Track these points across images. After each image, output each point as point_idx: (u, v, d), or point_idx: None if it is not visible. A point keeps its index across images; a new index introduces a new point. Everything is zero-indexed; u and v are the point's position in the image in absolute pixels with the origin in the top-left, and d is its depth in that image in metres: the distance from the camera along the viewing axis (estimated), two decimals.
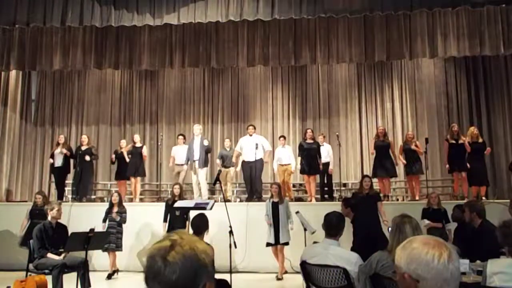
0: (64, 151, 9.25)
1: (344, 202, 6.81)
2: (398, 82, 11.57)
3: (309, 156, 8.71)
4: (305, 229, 6.73)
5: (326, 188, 9.22)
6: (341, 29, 9.47)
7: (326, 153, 9.19)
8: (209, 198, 8.70)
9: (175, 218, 7.31)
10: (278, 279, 7.32)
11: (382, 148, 8.75)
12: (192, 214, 7.47)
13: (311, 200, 8.79)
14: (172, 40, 9.86)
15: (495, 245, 3.38)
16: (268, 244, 7.26)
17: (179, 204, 7.25)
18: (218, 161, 9.59)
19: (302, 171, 8.89)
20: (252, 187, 8.86)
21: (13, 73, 10.85)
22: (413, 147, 8.78)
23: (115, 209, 7.54)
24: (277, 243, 7.23)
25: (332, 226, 3.47)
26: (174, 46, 9.85)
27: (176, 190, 7.70)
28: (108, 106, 12.01)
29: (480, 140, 8.74)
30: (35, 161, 11.55)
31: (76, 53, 9.72)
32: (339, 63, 10.71)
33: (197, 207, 6.63)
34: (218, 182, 6.69)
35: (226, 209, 5.88)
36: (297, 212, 6.89)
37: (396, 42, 9.22)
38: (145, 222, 8.22)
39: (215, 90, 11.97)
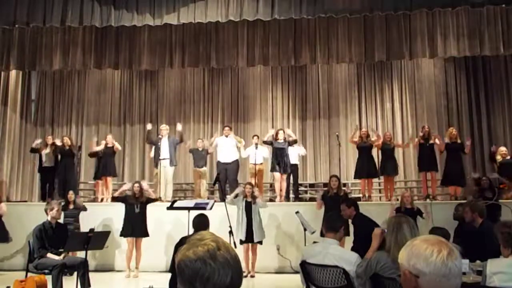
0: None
1: (346, 202, 6.80)
2: (398, 82, 11.57)
3: (280, 156, 8.72)
4: (305, 229, 6.74)
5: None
6: (341, 29, 9.45)
7: (296, 154, 9.31)
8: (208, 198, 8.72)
9: (134, 215, 7.48)
10: (252, 276, 7.30)
11: (364, 149, 8.88)
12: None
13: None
14: (172, 40, 9.84)
15: (497, 244, 3.39)
16: (241, 242, 7.11)
17: (179, 204, 7.28)
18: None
19: (272, 170, 8.90)
20: (227, 188, 8.85)
21: (13, 73, 10.83)
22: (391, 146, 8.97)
23: (71, 206, 7.89)
24: (249, 241, 7.23)
25: (333, 221, 3.46)
26: (174, 46, 9.83)
27: (136, 189, 7.68)
28: (108, 106, 12.00)
29: (459, 140, 8.85)
30: (35, 161, 11.52)
31: (76, 53, 9.70)
32: (339, 63, 10.70)
33: (197, 207, 6.66)
34: (218, 182, 6.71)
35: (226, 209, 5.89)
36: (297, 212, 6.89)
37: (396, 42, 9.21)
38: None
39: (215, 90, 11.96)
